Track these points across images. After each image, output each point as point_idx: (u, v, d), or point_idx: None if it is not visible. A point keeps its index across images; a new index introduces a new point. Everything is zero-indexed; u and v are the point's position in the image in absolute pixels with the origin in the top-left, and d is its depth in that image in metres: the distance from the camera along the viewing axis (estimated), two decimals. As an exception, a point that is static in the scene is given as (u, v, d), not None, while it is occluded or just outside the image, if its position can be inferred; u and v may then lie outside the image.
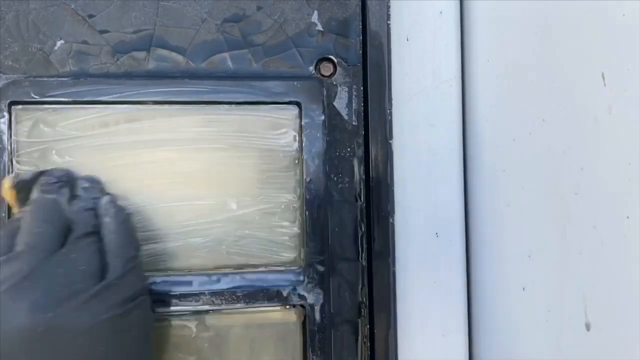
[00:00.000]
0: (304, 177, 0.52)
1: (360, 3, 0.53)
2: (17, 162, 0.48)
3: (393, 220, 0.53)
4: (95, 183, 0.47)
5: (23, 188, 0.44)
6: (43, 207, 0.43)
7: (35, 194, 0.44)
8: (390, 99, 0.53)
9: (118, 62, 0.50)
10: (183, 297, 0.50)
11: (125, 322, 0.41)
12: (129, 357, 0.42)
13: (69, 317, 0.39)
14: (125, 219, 0.45)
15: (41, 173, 0.45)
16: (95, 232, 0.43)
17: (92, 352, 0.40)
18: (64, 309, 0.39)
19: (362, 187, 0.53)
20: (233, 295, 0.51)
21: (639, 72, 0.35)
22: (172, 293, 0.50)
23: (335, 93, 0.53)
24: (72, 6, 0.49)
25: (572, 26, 0.42)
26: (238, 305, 0.51)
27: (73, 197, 0.45)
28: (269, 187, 0.52)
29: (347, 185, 0.53)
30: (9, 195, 0.44)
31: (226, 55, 0.52)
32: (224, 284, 0.51)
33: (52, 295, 0.39)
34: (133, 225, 0.46)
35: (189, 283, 0.50)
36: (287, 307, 0.52)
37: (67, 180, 0.45)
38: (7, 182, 0.44)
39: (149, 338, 0.45)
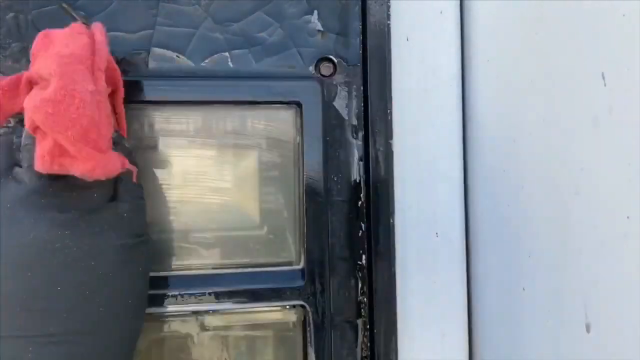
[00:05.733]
0: (304, 177, 0.52)
1: (360, 3, 0.53)
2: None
3: (393, 220, 0.53)
4: None
5: None
6: None
7: None
8: (390, 99, 0.53)
9: (118, 62, 0.50)
10: (183, 297, 0.50)
11: (133, 254, 0.43)
12: (129, 292, 0.43)
13: (85, 239, 0.40)
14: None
15: None
16: None
17: (99, 275, 0.41)
18: (80, 230, 0.41)
19: (362, 187, 0.53)
20: (233, 295, 0.51)
21: (639, 72, 0.35)
22: (172, 293, 0.50)
23: (335, 93, 0.53)
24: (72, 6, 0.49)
25: (572, 26, 0.42)
26: (238, 305, 0.51)
27: None
28: (268, 187, 0.52)
29: (347, 185, 0.53)
30: None
31: (226, 55, 0.52)
32: (224, 284, 0.51)
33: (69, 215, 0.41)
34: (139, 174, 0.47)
35: (189, 283, 0.50)
36: (287, 307, 0.52)
37: None
38: None
39: (147, 282, 0.46)
